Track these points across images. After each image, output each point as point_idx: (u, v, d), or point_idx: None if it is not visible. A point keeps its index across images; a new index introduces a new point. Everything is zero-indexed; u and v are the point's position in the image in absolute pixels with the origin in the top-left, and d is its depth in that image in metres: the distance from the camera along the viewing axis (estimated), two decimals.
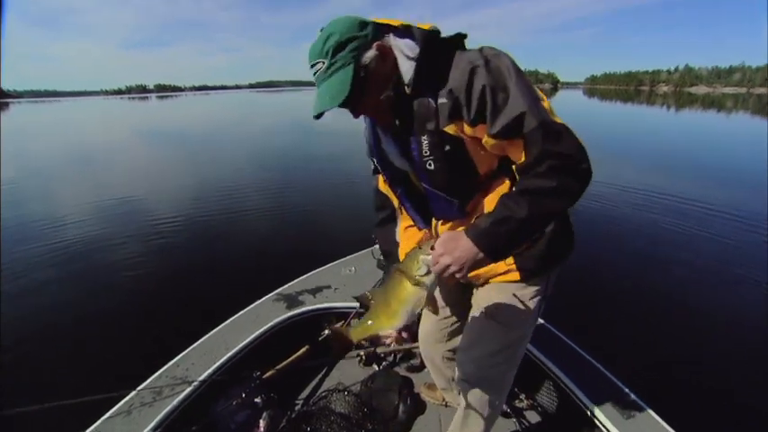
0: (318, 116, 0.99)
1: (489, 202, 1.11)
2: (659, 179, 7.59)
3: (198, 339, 1.93)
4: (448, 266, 0.93)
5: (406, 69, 0.99)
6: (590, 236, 4.84)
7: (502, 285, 1.22)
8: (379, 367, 2.14)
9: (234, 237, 5.14)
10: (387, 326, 1.07)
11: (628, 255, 4.49)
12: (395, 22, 1.02)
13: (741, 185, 7.42)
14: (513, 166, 0.98)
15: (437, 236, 1.02)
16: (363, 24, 0.97)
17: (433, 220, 1.28)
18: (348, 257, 2.69)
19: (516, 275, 1.17)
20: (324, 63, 0.95)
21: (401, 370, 2.12)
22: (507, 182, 1.09)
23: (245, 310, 2.18)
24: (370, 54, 0.96)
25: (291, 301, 2.23)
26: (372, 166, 1.31)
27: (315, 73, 0.98)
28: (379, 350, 2.16)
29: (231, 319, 2.10)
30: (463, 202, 1.13)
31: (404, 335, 2.05)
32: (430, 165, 1.05)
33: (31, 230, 5.43)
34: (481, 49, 0.96)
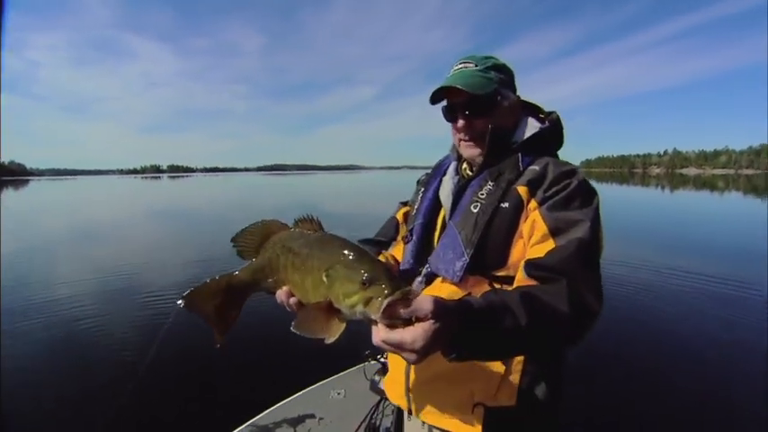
0: (436, 96, 1.06)
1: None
2: (674, 258, 7.49)
3: None
4: (400, 348, 0.64)
5: (524, 131, 1.07)
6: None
7: None
8: None
9: (208, 346, 4.55)
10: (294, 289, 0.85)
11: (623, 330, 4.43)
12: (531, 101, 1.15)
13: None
14: (523, 263, 0.89)
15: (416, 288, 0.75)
16: (514, 78, 1.12)
17: (422, 270, 1.07)
18: (336, 377, 2.34)
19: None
20: (475, 66, 1.06)
21: None
22: None
23: None
24: (509, 95, 1.08)
25: None
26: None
27: (458, 65, 1.08)
28: None
29: None
30: (474, 264, 0.94)
31: None
32: (475, 207, 0.99)
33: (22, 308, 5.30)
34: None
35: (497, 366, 0.94)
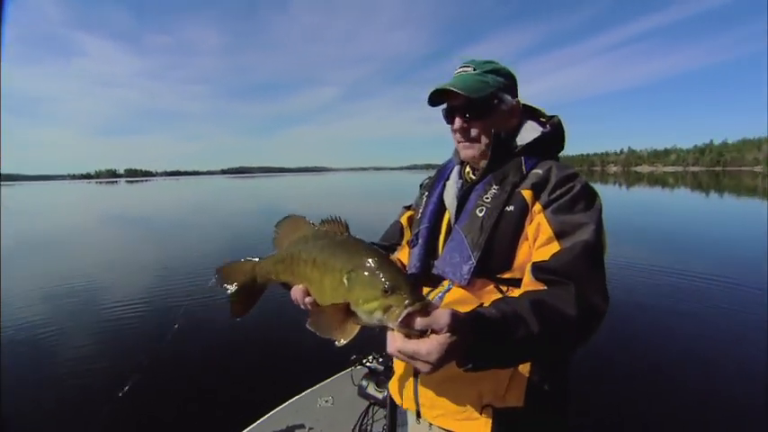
0: (436, 99, 1.07)
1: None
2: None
3: None
4: (415, 359, 0.65)
5: (526, 135, 1.09)
6: None
7: None
8: None
9: (183, 357, 4.20)
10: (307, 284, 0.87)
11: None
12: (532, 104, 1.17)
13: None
14: (529, 266, 0.90)
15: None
16: (516, 83, 1.13)
17: (446, 284, 1.06)
18: (323, 384, 2.29)
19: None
20: (474, 70, 1.08)
21: None
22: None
23: None
24: (508, 99, 1.09)
25: None
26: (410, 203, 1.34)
27: (458, 69, 1.11)
28: None
29: None
30: (480, 267, 0.96)
31: None
32: (481, 211, 1.00)
33: None
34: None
35: (506, 368, 0.94)
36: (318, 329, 0.76)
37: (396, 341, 0.66)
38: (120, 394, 3.33)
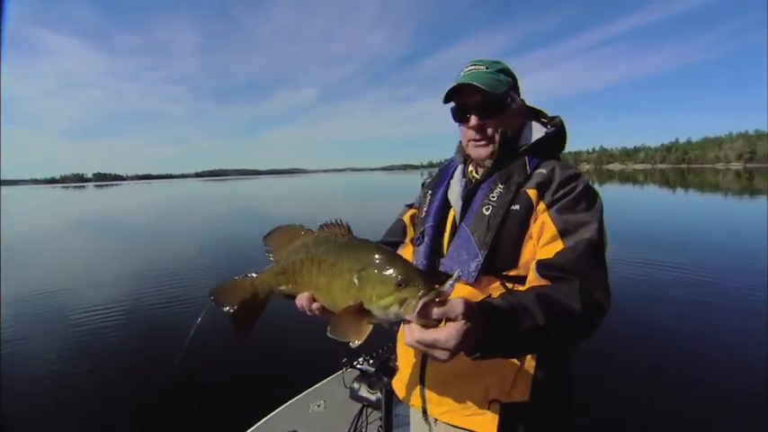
0: (452, 96, 1.08)
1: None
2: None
3: None
4: (434, 347, 0.67)
5: (530, 135, 1.11)
6: None
7: None
8: None
9: (170, 367, 4.00)
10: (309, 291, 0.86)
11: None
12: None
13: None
14: (534, 263, 0.93)
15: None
16: (518, 84, 1.15)
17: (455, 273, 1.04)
18: (314, 388, 2.25)
19: (492, 430, 0.96)
20: (486, 68, 1.08)
21: None
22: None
23: None
24: (518, 99, 1.13)
25: None
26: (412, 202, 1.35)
27: (468, 67, 1.10)
28: None
29: None
30: (487, 265, 0.98)
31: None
32: (487, 209, 1.02)
33: None
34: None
35: (511, 363, 0.97)
36: (338, 335, 0.75)
37: (414, 332, 0.67)
38: (98, 405, 3.22)
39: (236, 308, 0.97)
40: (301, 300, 0.90)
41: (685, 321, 4.73)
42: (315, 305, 0.88)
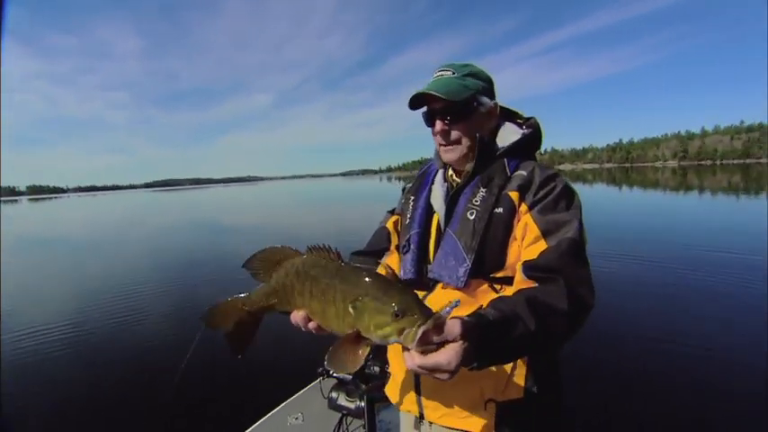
0: (417, 102, 1.09)
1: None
2: None
3: None
4: (436, 371, 0.69)
5: (506, 137, 1.12)
6: None
7: None
8: None
9: (141, 386, 3.84)
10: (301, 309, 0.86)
11: None
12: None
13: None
14: (520, 265, 0.95)
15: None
16: (493, 85, 1.14)
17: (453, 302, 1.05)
18: (290, 400, 2.18)
19: (489, 429, 1.00)
20: (453, 73, 1.09)
21: None
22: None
23: None
24: (486, 102, 1.10)
25: None
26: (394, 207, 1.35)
27: (437, 72, 1.11)
28: None
29: None
30: (475, 269, 0.99)
31: None
32: (471, 214, 1.03)
33: None
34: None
35: (506, 364, 0.99)
36: (337, 366, 0.76)
37: (414, 358, 0.69)
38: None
39: (230, 329, 0.98)
40: (297, 317, 0.89)
41: (653, 316, 4.96)
42: (311, 324, 0.87)
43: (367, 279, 0.77)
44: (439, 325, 0.68)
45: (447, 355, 0.68)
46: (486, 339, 0.75)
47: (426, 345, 0.68)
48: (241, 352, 1.00)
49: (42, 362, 4.30)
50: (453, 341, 0.69)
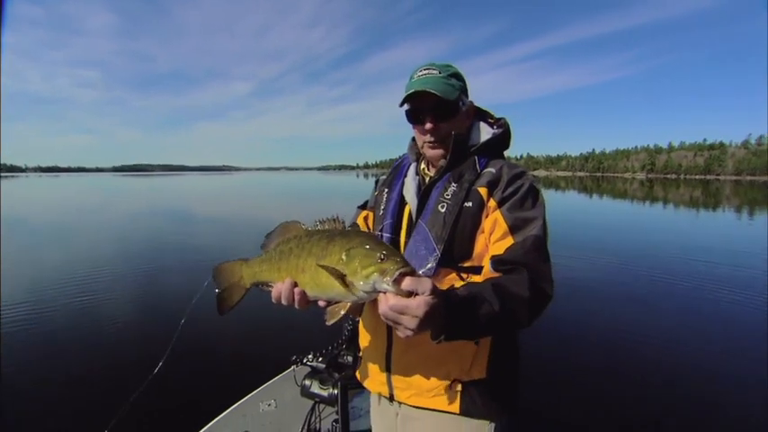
0: (411, 100, 1.14)
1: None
2: None
3: None
4: (404, 313, 0.77)
5: (479, 135, 1.19)
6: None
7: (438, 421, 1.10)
8: None
9: (115, 368, 3.78)
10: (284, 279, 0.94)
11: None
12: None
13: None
14: (488, 258, 1.03)
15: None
16: (467, 86, 1.21)
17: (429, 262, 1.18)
18: (263, 387, 2.21)
19: (455, 406, 1.07)
20: (439, 72, 1.14)
21: None
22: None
23: None
24: (468, 101, 1.20)
25: None
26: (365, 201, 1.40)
27: (421, 71, 1.15)
28: None
29: None
30: (444, 258, 1.06)
31: None
32: (442, 207, 1.09)
33: None
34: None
35: (470, 346, 1.07)
36: (331, 314, 0.88)
37: (388, 299, 0.77)
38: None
39: (223, 289, 1.07)
40: (281, 286, 0.94)
41: (612, 310, 5.37)
42: (296, 290, 0.93)
43: (362, 234, 0.91)
44: (415, 273, 0.78)
45: (417, 302, 0.76)
46: (455, 312, 0.83)
47: (400, 286, 0.76)
48: (226, 312, 1.08)
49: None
50: (424, 294, 0.76)
